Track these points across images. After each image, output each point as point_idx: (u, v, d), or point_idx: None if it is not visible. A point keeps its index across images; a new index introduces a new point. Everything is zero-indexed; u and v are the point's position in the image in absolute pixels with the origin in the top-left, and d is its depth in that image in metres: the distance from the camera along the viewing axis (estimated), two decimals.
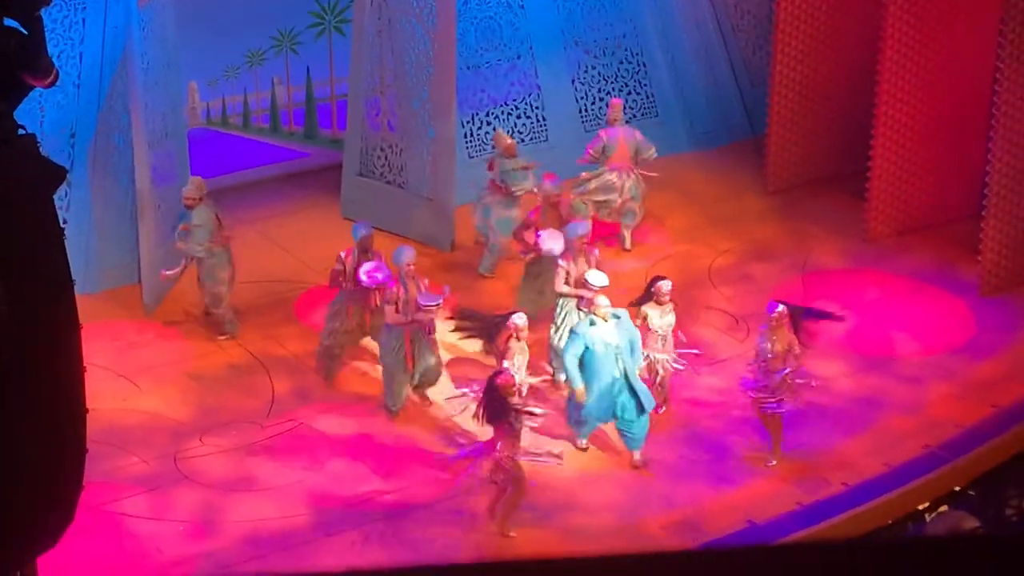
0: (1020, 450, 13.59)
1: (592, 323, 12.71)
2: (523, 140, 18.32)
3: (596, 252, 14.13)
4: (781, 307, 12.80)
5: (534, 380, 13.42)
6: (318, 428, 13.66)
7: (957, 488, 13.14)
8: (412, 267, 13.54)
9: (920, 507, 12.90)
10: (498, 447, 12.00)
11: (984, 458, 13.36)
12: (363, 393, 14.16)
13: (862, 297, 15.73)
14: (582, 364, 12.73)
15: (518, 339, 12.93)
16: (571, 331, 12.99)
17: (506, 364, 12.67)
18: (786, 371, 12.67)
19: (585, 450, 13.18)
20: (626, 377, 12.70)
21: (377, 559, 11.92)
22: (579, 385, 12.73)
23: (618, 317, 12.73)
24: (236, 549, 12.11)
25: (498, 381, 12.07)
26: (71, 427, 7.95)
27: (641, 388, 12.78)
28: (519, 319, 12.97)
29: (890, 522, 12.68)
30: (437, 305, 13.41)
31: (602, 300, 12.81)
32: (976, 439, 13.48)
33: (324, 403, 14.00)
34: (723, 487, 12.82)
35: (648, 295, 13.33)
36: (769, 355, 12.68)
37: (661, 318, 13.20)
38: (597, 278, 13.17)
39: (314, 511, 12.54)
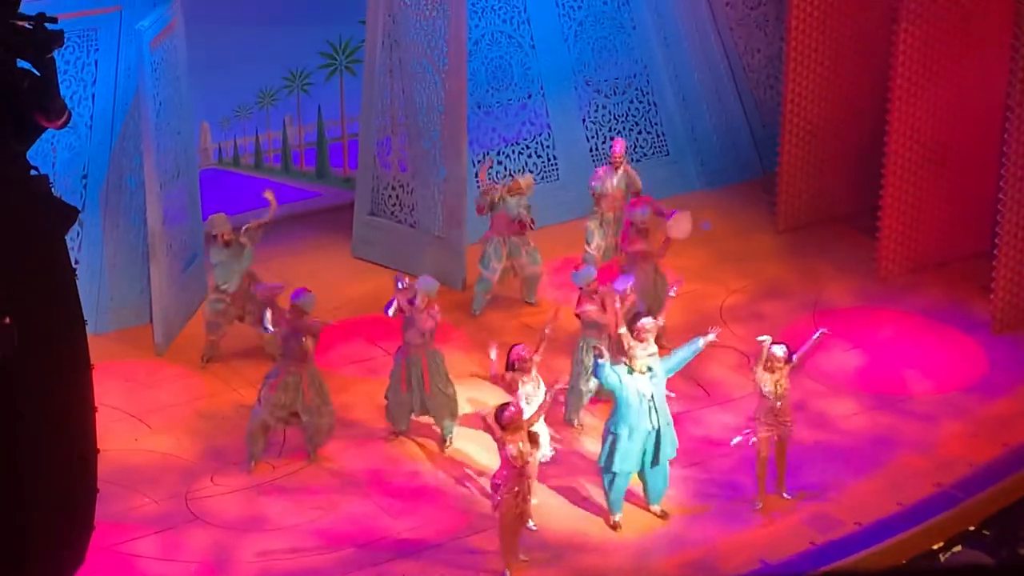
0: None
1: (629, 371, 12.48)
2: (535, 179, 18.34)
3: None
4: (783, 349, 12.77)
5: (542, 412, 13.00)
6: (329, 467, 13.64)
7: (971, 527, 13.08)
8: (430, 297, 13.70)
9: (934, 547, 12.84)
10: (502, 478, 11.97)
11: (997, 497, 13.31)
12: (374, 430, 14.14)
13: (874, 335, 15.70)
14: (616, 412, 12.48)
15: (524, 371, 12.88)
16: (597, 362, 12.55)
17: (522, 395, 12.62)
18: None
19: (619, 528, 12.72)
20: (659, 428, 12.48)
21: None
22: (615, 384, 12.33)
23: (651, 370, 12.49)
24: None
25: (504, 415, 11.97)
26: (82, 468, 7.95)
27: (668, 439, 12.56)
28: (522, 349, 12.94)
29: (904, 562, 12.61)
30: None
31: (640, 351, 12.58)
32: (989, 478, 13.43)
33: (335, 442, 13.98)
34: (736, 526, 12.77)
35: (629, 330, 13.09)
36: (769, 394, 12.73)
37: (644, 351, 13.02)
38: (639, 352, 12.67)
39: (326, 551, 12.51)
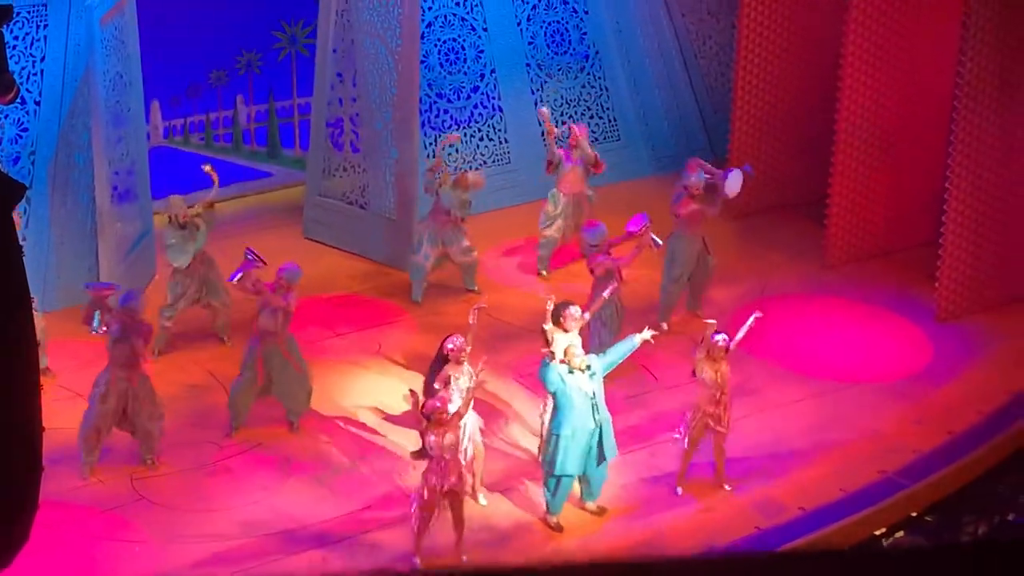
0: (976, 476, 13.67)
1: (569, 371, 12.29)
2: (486, 162, 18.37)
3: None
4: (723, 337, 12.79)
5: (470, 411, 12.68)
6: (276, 449, 13.61)
7: (914, 514, 13.20)
8: (293, 284, 13.70)
9: (876, 532, 12.95)
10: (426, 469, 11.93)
11: (940, 484, 13.43)
12: (321, 414, 14.13)
13: (820, 323, 15.81)
14: (558, 413, 12.34)
15: (458, 362, 12.83)
16: (545, 363, 12.39)
17: (459, 387, 12.57)
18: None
19: (561, 530, 12.57)
20: (600, 427, 12.36)
21: None
22: (559, 387, 12.21)
23: (590, 368, 12.33)
24: (193, 570, 12.05)
25: (426, 407, 11.88)
26: (27, 446, 7.89)
27: (609, 437, 12.48)
28: (454, 340, 12.83)
29: (847, 548, 12.71)
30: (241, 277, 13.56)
31: (577, 349, 12.42)
32: (932, 465, 13.55)
33: (282, 424, 13.96)
34: (682, 511, 12.83)
35: (556, 317, 13.03)
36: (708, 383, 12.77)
37: (567, 342, 12.97)
38: (574, 349, 12.49)
39: (272, 531, 12.49)
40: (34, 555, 9.54)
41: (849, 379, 14.76)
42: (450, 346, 12.79)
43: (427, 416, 11.82)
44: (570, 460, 12.34)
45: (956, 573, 3.67)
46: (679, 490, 12.98)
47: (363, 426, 13.98)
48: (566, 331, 12.96)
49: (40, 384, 8.04)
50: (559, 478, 12.42)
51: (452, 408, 12.01)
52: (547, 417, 12.79)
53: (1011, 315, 15.80)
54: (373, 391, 14.52)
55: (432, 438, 11.83)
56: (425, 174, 16.14)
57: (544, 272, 16.74)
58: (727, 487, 13.03)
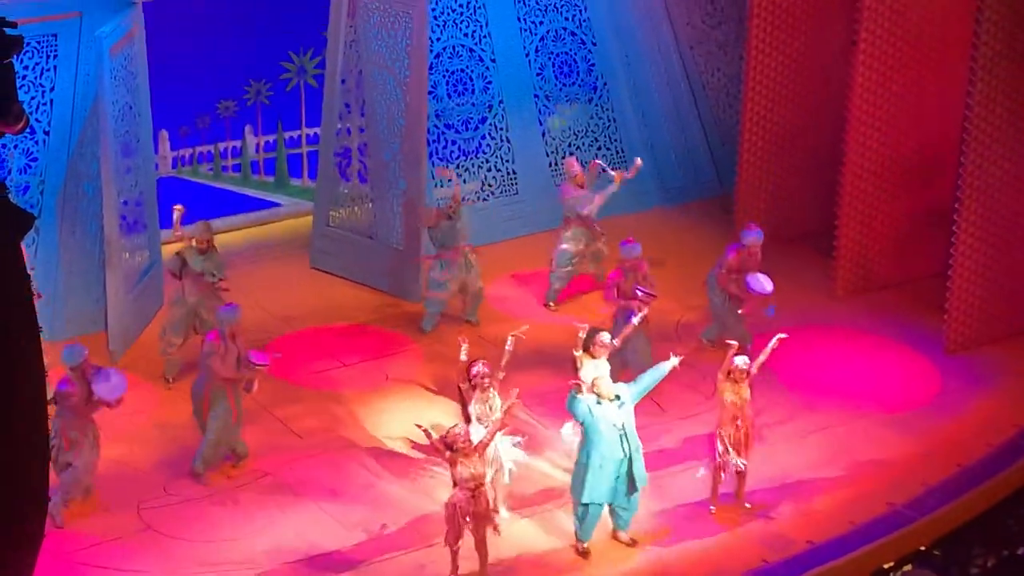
0: (985, 509, 13.62)
1: (598, 402, 12.26)
2: (493, 193, 18.40)
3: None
4: (744, 359, 12.88)
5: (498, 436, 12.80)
6: (284, 478, 13.59)
7: (922, 547, 13.15)
8: (234, 327, 13.40)
9: (885, 566, 12.90)
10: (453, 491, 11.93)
11: (949, 517, 13.38)
12: (328, 441, 14.12)
13: (828, 354, 15.78)
14: (587, 442, 12.28)
15: (482, 388, 12.85)
16: (573, 395, 12.37)
17: (472, 413, 12.60)
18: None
19: (587, 556, 12.52)
20: (630, 457, 12.33)
21: None
22: (586, 417, 12.16)
23: (619, 398, 12.32)
24: None
25: (448, 436, 11.83)
26: (33, 475, 7.90)
27: (640, 467, 12.44)
28: (478, 366, 12.87)
29: None
30: (265, 365, 13.30)
31: (605, 380, 12.40)
32: (941, 498, 13.49)
33: (290, 453, 13.95)
34: (688, 543, 12.78)
35: (586, 345, 13.16)
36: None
37: (596, 369, 13.06)
38: (601, 381, 12.47)
39: (280, 562, 12.45)
40: None
41: (857, 411, 14.72)
42: (475, 370, 12.81)
43: (450, 447, 11.79)
44: (598, 489, 12.32)
45: None
46: (712, 508, 13.02)
47: (371, 455, 13.96)
48: (595, 358, 12.98)
49: (48, 414, 8.05)
50: (586, 506, 12.41)
51: (475, 438, 11.98)
52: (568, 432, 12.81)
53: (1021, 347, 15.77)
54: (381, 420, 14.50)
55: (459, 468, 11.80)
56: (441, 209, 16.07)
57: (552, 304, 16.74)
58: (748, 505, 13.06)
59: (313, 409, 14.68)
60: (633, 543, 12.68)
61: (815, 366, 15.52)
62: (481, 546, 12.07)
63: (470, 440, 11.85)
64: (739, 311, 15.40)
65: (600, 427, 12.23)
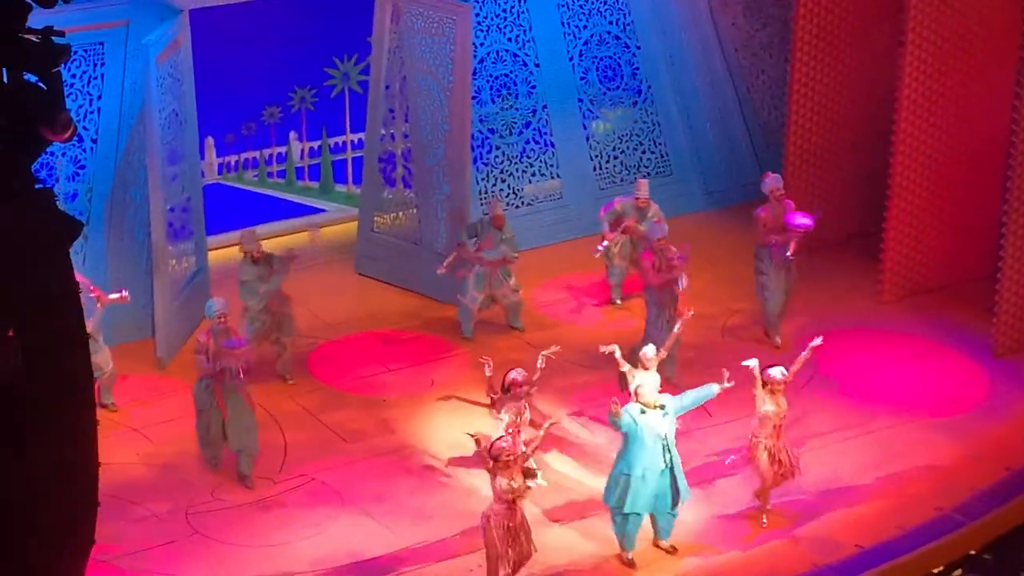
0: None
1: (642, 411, 12.21)
2: (538, 198, 18.39)
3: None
4: (780, 370, 12.79)
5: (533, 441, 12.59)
6: (331, 483, 13.63)
7: (972, 552, 13.06)
8: (222, 320, 13.48)
9: (934, 571, 12.82)
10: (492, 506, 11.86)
11: (999, 521, 13.28)
12: (375, 447, 14.14)
13: (876, 358, 15.69)
14: (628, 452, 12.20)
15: (516, 397, 12.80)
16: (624, 410, 12.26)
17: (501, 419, 12.58)
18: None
19: (633, 566, 12.44)
20: (671, 468, 12.29)
21: None
22: (631, 429, 12.14)
23: (663, 407, 12.27)
24: None
25: (494, 447, 11.72)
26: (84, 481, 7.94)
27: (683, 480, 12.40)
28: (515, 373, 12.89)
29: None
30: (239, 347, 13.36)
31: (647, 390, 12.28)
32: (991, 502, 13.41)
33: (336, 458, 13.98)
34: (738, 549, 12.74)
35: (635, 361, 13.14)
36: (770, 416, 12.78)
37: (647, 380, 12.97)
38: (645, 390, 12.37)
39: (327, 567, 12.48)
40: None
41: (906, 415, 14.64)
42: (512, 377, 12.81)
43: (494, 458, 11.73)
44: (640, 500, 12.25)
45: None
46: (764, 520, 12.97)
47: (417, 460, 13.97)
48: (646, 369, 12.96)
49: (96, 420, 8.10)
50: (626, 516, 12.33)
51: (519, 449, 11.88)
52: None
53: None
54: (427, 426, 14.52)
55: (499, 480, 11.73)
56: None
57: (618, 300, 16.76)
58: (763, 521, 12.99)
59: (359, 415, 14.71)
60: (673, 550, 12.61)
61: (863, 370, 15.43)
62: (520, 559, 11.92)
63: (515, 452, 11.78)
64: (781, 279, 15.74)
65: (644, 436, 12.16)
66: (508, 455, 11.69)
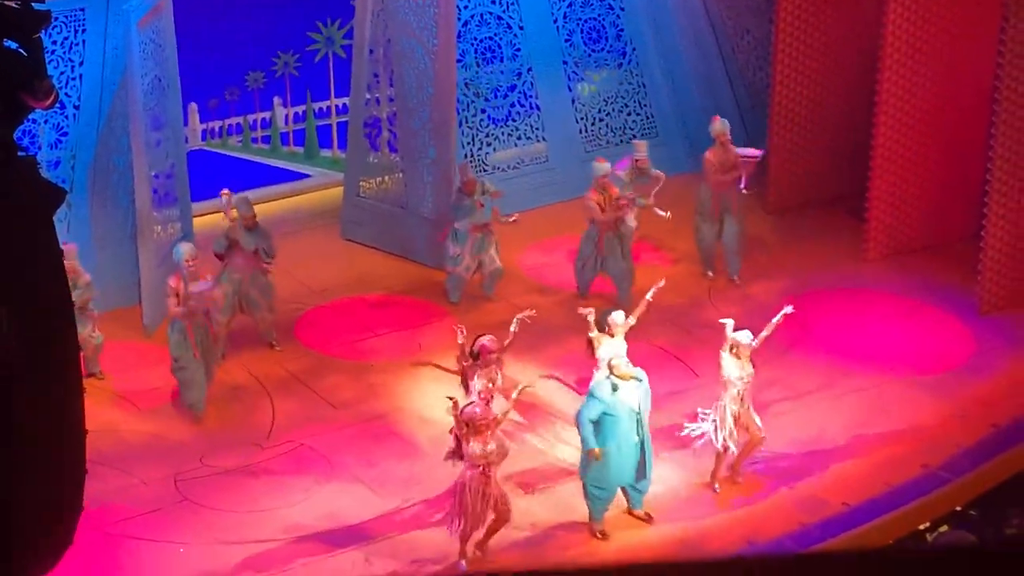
0: (1020, 469, 13.57)
1: (615, 388, 12.09)
2: (523, 161, 18.37)
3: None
4: (747, 335, 12.68)
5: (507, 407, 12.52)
6: (319, 449, 13.66)
7: (957, 508, 13.13)
8: (190, 263, 13.72)
9: (921, 527, 12.88)
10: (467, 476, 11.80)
11: (984, 478, 13.35)
12: (363, 413, 14.17)
13: (861, 317, 15.74)
14: (598, 428, 12.12)
15: (487, 364, 12.78)
16: (590, 393, 12.31)
17: (475, 387, 12.57)
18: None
19: (605, 537, 12.35)
20: (642, 442, 12.23)
21: None
22: (593, 446, 12.04)
23: (639, 379, 12.20)
24: (236, 571, 12.09)
25: (465, 412, 11.70)
26: (71, 449, 7.94)
27: (650, 456, 12.34)
28: (485, 339, 12.85)
29: (891, 542, 12.66)
30: (207, 290, 13.66)
31: (622, 360, 12.20)
32: (976, 459, 13.47)
33: (324, 424, 14.01)
34: (724, 510, 12.78)
35: (601, 325, 13.09)
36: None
37: (613, 348, 12.92)
38: (619, 361, 12.25)
39: (315, 532, 12.52)
40: (78, 557, 9.61)
41: (891, 374, 14.68)
42: (482, 343, 12.80)
43: (467, 423, 11.73)
44: (612, 474, 12.23)
45: (1002, 569, 3.65)
46: (716, 487, 12.94)
47: (406, 424, 14.00)
48: (612, 336, 12.94)
49: (83, 387, 8.10)
50: (599, 489, 12.30)
51: (491, 414, 11.89)
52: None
53: None
54: (414, 391, 14.54)
55: (472, 445, 11.72)
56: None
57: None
58: (739, 480, 12.95)
59: (347, 380, 14.73)
60: (648, 518, 12.58)
61: (848, 329, 15.48)
62: (493, 527, 11.93)
63: (488, 417, 11.75)
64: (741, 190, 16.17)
65: (619, 412, 12.08)
66: (481, 420, 11.66)
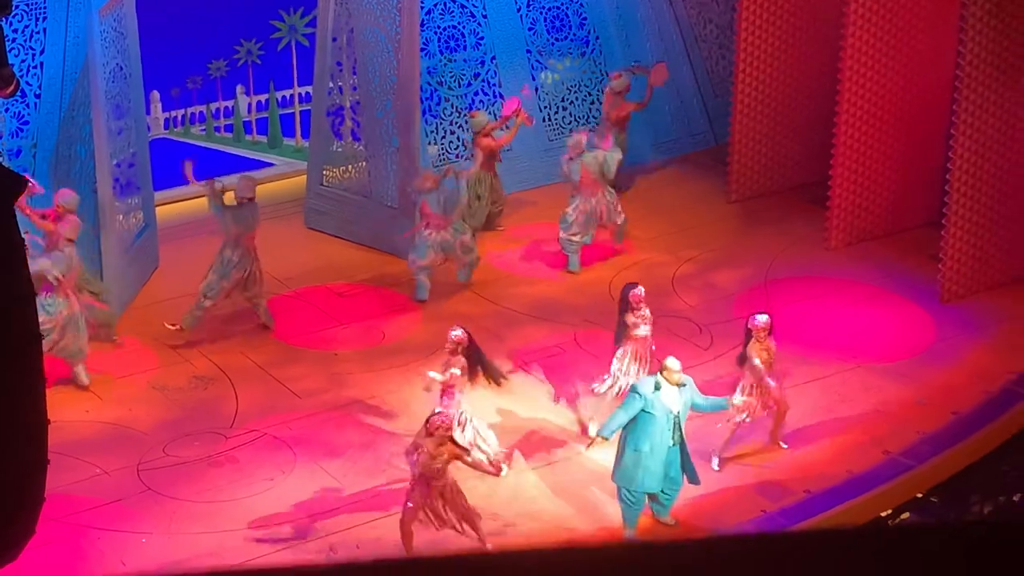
0: (981, 457, 13.68)
1: (657, 387, 11.94)
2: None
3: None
4: (765, 317, 12.88)
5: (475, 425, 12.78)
6: (282, 438, 13.64)
7: (919, 495, 13.21)
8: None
9: (882, 514, 12.96)
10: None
11: (945, 464, 13.44)
12: (327, 402, 14.15)
13: (823, 304, 15.82)
14: (637, 430, 11.93)
15: (452, 353, 12.69)
16: (632, 388, 12.23)
17: (449, 374, 12.58)
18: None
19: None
20: (681, 446, 12.10)
21: None
22: (608, 436, 11.95)
23: (684, 385, 12.04)
24: (200, 560, 12.06)
25: (431, 422, 11.53)
26: (32, 439, 7.91)
27: (689, 460, 12.20)
28: (457, 331, 12.76)
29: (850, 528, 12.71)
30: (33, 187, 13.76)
31: (676, 364, 12.03)
32: (937, 446, 13.55)
33: (288, 413, 13.99)
34: (686, 496, 12.82)
35: (625, 304, 13.20)
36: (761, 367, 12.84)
37: (641, 317, 13.18)
38: (674, 363, 12.09)
39: (279, 522, 12.50)
40: (40, 548, 9.58)
41: (853, 360, 14.76)
42: (454, 334, 12.75)
43: (431, 432, 11.52)
44: (649, 477, 12.00)
45: (962, 553, 3.67)
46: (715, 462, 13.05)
47: (370, 413, 13.99)
48: (638, 309, 13.09)
49: (45, 378, 8.06)
50: (634, 493, 12.09)
51: (456, 434, 11.82)
52: (602, 388, 13.08)
53: (1015, 295, 15.81)
54: (378, 380, 14.53)
55: (419, 455, 11.49)
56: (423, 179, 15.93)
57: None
58: (784, 445, 13.23)
59: (311, 369, 14.71)
60: (677, 523, 12.39)
61: (810, 316, 15.55)
62: (465, 517, 11.80)
63: (451, 427, 11.65)
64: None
65: (657, 411, 11.90)
66: (446, 431, 11.55)
